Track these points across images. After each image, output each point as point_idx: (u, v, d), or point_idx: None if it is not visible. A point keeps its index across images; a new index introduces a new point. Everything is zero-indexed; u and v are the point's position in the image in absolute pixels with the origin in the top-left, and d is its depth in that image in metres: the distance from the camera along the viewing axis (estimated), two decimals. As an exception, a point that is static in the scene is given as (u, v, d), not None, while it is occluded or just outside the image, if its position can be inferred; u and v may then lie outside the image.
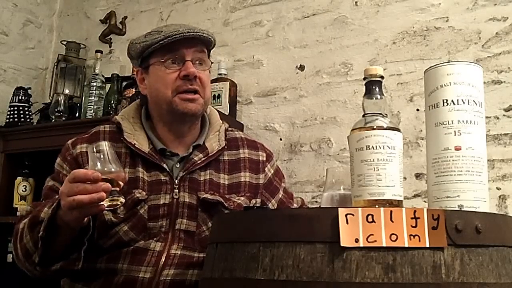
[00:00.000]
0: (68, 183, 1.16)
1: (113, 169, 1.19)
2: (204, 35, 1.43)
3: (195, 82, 1.41)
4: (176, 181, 1.40)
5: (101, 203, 1.16)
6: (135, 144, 1.41)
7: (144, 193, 1.37)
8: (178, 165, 1.43)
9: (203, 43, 1.45)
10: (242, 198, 1.45)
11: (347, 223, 0.83)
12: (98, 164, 1.19)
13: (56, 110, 2.56)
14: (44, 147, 2.48)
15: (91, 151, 1.20)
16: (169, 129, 1.46)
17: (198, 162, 1.43)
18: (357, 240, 0.83)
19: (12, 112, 2.70)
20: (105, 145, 1.21)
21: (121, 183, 1.21)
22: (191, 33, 1.40)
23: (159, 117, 1.47)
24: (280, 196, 1.56)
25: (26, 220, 1.32)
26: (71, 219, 1.20)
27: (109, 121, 1.53)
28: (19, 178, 2.65)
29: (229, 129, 1.58)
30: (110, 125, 1.50)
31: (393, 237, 0.83)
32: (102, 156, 1.19)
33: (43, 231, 1.23)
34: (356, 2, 2.35)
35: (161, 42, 1.39)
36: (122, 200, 1.20)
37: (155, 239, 1.36)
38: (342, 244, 0.82)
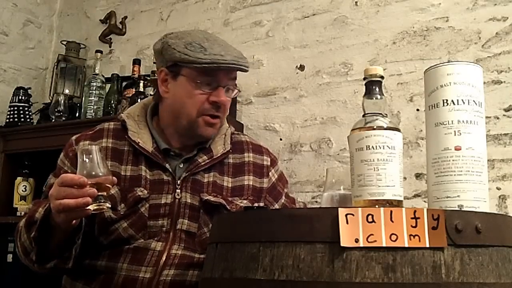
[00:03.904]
0: (57, 186, 1.17)
1: (100, 173, 1.19)
2: (246, 66, 1.41)
3: (221, 109, 1.42)
4: (178, 182, 1.40)
5: (87, 207, 1.17)
6: (139, 142, 1.42)
7: (145, 191, 1.38)
8: (181, 166, 1.44)
9: (238, 70, 1.43)
10: (245, 202, 1.45)
11: (347, 223, 0.83)
12: (87, 168, 1.19)
13: (56, 110, 2.56)
14: (44, 147, 2.49)
15: (81, 155, 1.21)
16: (177, 133, 1.46)
17: (202, 164, 1.44)
18: (357, 240, 0.82)
19: (12, 112, 2.71)
20: (94, 149, 1.22)
21: (109, 186, 1.22)
22: (236, 65, 1.38)
23: (172, 123, 1.46)
24: (282, 201, 1.56)
25: (24, 219, 1.35)
26: (60, 221, 1.21)
27: (115, 118, 1.53)
28: (19, 178, 2.65)
29: (235, 132, 1.58)
30: (115, 122, 1.50)
31: (393, 237, 0.83)
32: (91, 160, 1.20)
33: (36, 231, 1.26)
34: (356, 2, 2.35)
35: (204, 65, 1.34)
36: (108, 205, 1.21)
37: (155, 238, 1.36)
38: (342, 244, 0.82)
